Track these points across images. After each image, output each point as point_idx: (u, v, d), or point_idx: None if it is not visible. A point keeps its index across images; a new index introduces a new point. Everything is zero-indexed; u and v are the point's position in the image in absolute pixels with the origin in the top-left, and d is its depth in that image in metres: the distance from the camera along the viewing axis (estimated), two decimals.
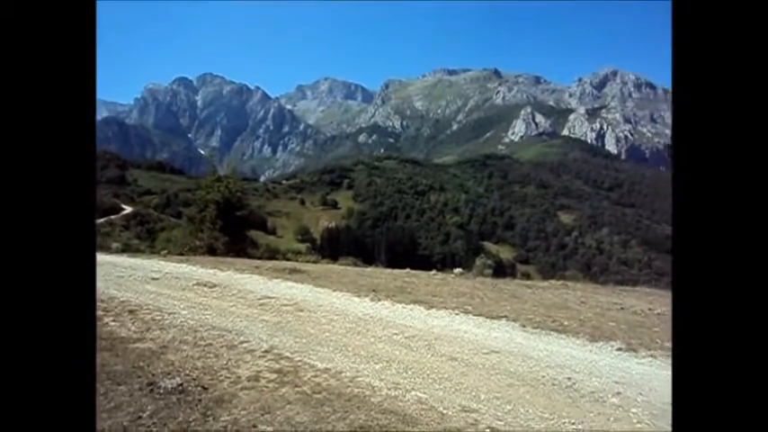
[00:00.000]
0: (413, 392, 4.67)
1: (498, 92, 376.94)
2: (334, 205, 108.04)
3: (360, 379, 4.98)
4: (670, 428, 4.05)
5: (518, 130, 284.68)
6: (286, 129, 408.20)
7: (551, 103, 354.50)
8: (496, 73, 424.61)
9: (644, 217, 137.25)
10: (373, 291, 9.40)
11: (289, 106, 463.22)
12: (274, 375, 4.99)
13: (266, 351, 5.74)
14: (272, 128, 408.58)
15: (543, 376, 5.16)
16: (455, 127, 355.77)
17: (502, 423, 4.08)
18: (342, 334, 6.53)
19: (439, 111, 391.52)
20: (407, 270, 13.58)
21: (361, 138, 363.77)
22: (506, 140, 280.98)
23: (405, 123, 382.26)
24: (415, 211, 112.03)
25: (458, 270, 13.62)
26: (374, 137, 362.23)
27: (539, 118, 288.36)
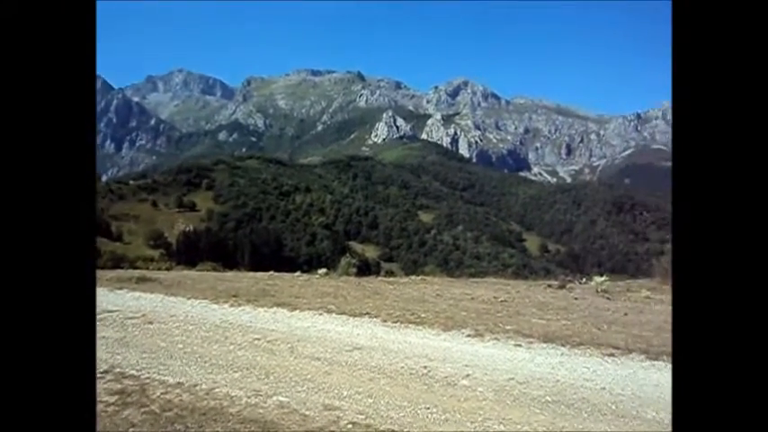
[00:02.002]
0: (274, 397, 4.55)
1: (362, 95, 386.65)
2: (192, 207, 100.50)
3: (217, 390, 4.71)
4: (507, 402, 4.55)
5: (381, 132, 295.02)
6: (133, 123, 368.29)
7: (411, 107, 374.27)
8: (360, 76, 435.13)
9: (491, 215, 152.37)
10: (233, 296, 8.97)
11: (137, 98, 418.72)
12: (115, 397, 4.47)
13: (105, 371, 5.12)
14: (115, 121, 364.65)
15: (402, 367, 5.41)
16: (319, 128, 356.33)
17: (363, 417, 4.18)
18: (197, 344, 6.11)
19: (303, 111, 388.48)
20: (271, 273, 13.25)
21: (222, 136, 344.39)
22: (370, 142, 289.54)
23: (268, 122, 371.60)
24: (279, 212, 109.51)
25: (322, 270, 13.64)
26: (235, 135, 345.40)
27: (400, 122, 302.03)
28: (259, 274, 13.07)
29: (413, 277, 14.43)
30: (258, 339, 6.35)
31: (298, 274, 13.14)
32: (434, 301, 9.14)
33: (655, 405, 4.47)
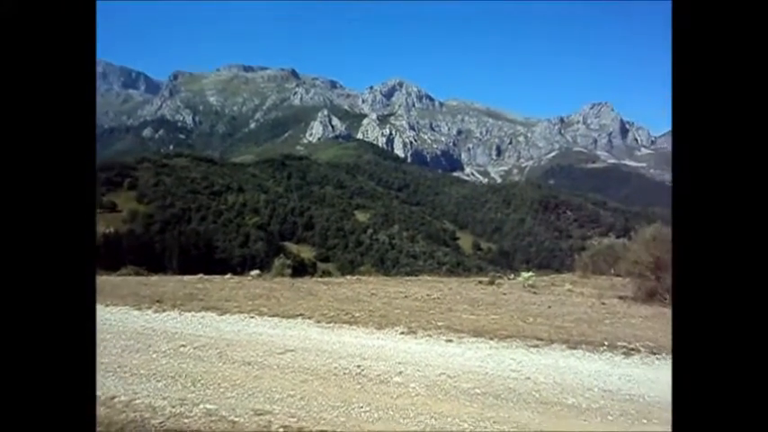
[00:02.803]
0: (201, 405, 4.37)
1: (296, 93, 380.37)
2: (113, 208, 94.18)
3: (138, 401, 4.45)
4: (439, 396, 4.65)
5: (316, 131, 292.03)
6: None
7: (346, 107, 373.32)
8: (294, 74, 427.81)
9: (426, 214, 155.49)
10: (158, 301, 8.51)
11: None
12: None
13: None
14: None
15: (336, 367, 5.38)
16: (253, 125, 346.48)
17: (295, 420, 4.11)
18: (116, 354, 5.74)
19: (235, 108, 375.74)
20: (200, 275, 12.70)
21: (146, 132, 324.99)
22: (304, 141, 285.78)
23: (197, 119, 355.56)
24: (211, 212, 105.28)
25: (255, 272, 13.28)
26: (161, 132, 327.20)
27: (335, 121, 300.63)
28: (187, 278, 12.48)
29: (348, 277, 14.40)
30: (184, 346, 6.06)
31: (229, 276, 12.70)
32: (369, 301, 9.17)
33: (573, 391, 4.76)
